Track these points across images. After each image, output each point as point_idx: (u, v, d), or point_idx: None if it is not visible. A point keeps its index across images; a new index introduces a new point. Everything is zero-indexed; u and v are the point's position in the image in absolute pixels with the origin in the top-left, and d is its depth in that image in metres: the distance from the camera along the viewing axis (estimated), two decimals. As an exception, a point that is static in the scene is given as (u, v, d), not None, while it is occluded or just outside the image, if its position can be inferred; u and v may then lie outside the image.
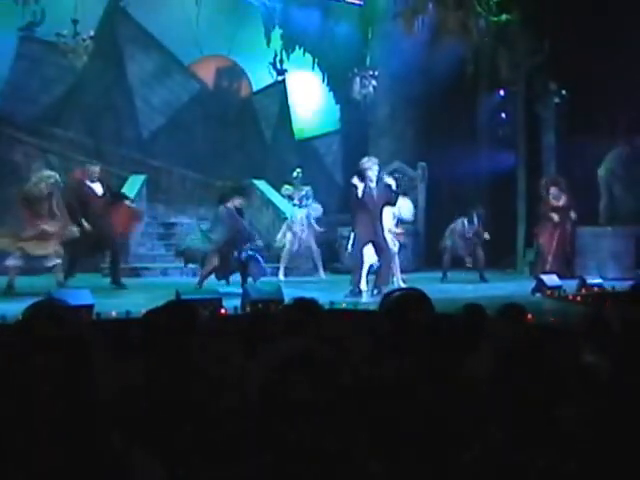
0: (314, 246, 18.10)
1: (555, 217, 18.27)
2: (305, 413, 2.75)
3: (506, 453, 2.88)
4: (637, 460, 3.35)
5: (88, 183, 14.98)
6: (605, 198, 19.65)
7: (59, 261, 13.89)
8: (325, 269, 18.36)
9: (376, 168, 14.26)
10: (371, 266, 15.20)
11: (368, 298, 13.42)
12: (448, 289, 15.18)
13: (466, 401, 3.43)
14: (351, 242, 14.84)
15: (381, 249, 14.36)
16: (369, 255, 14.73)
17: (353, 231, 14.73)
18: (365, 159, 14.56)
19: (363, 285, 14.96)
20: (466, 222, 17.74)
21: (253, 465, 2.77)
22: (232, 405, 3.65)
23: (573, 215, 18.24)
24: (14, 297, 12.10)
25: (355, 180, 14.40)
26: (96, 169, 15.15)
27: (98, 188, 15.05)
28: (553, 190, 18.46)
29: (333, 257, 20.09)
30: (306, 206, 18.09)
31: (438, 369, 3.93)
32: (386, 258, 14.43)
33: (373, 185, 14.15)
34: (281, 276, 17.23)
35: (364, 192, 14.14)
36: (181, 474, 3.54)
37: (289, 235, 17.96)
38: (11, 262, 13.50)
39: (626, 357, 4.19)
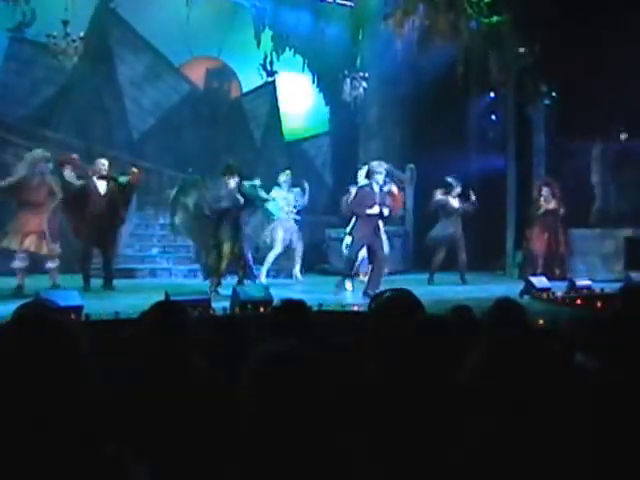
0: (300, 247, 18.05)
1: (545, 219, 18.34)
2: (292, 413, 2.75)
3: (497, 451, 2.88)
4: (631, 459, 3.35)
5: (94, 179, 14.85)
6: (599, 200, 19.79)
7: (56, 264, 13.92)
8: (312, 270, 18.37)
9: (384, 174, 14.44)
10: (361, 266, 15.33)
11: (362, 299, 13.36)
12: (436, 291, 15.17)
13: (455, 401, 3.43)
14: (347, 244, 14.88)
15: (375, 254, 14.41)
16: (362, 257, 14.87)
17: (350, 234, 14.76)
18: (376, 163, 14.71)
19: (349, 286, 14.98)
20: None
21: (243, 467, 2.76)
22: (222, 406, 3.64)
23: (562, 211, 18.25)
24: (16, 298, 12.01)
25: (362, 181, 14.55)
26: (104, 163, 15.08)
27: (102, 186, 14.87)
28: (545, 191, 18.49)
29: (321, 258, 20.08)
30: (295, 207, 18.03)
31: (426, 370, 3.92)
32: (379, 264, 14.44)
33: (377, 190, 14.25)
34: (263, 278, 17.02)
35: (367, 195, 14.24)
36: (170, 475, 3.54)
37: (280, 235, 17.83)
38: (16, 264, 13.53)
39: (617, 358, 4.19)
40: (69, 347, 2.63)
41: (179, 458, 3.71)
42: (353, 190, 15.59)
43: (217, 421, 3.65)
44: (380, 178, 14.29)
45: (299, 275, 17.88)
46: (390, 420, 3.71)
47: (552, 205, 18.35)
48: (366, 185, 14.67)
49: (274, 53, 23.12)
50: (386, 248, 15.49)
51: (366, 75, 21.55)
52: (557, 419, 2.96)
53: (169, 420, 3.84)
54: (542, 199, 18.45)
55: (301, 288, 15.79)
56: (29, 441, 2.47)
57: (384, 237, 15.21)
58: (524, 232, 19.14)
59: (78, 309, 9.97)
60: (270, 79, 23.70)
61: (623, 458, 3.40)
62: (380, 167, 14.43)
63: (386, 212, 14.43)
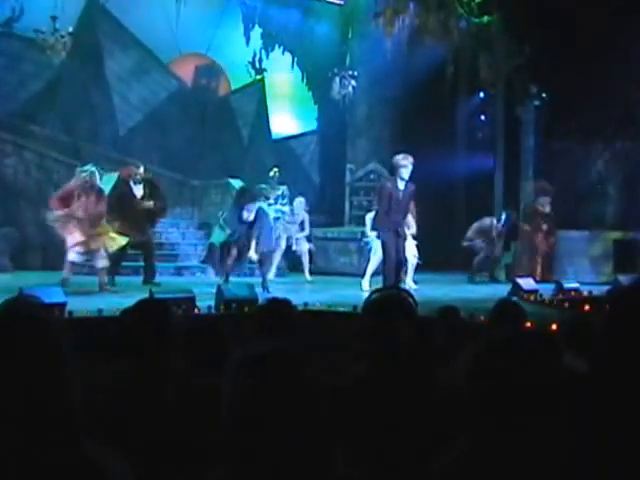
0: (283, 247, 18.12)
1: (544, 225, 18.45)
2: (278, 414, 2.70)
3: (489, 453, 2.83)
4: (619, 464, 3.31)
5: (131, 184, 15.71)
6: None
7: (106, 263, 13.89)
8: (298, 269, 18.41)
9: (410, 168, 13.73)
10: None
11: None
12: (422, 291, 15.01)
13: (443, 403, 3.39)
14: (376, 245, 14.55)
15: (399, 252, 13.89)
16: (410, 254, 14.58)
17: (375, 230, 14.37)
18: (401, 156, 13.96)
19: (366, 285, 14.78)
20: (495, 221, 18.06)
21: (225, 469, 2.72)
22: (205, 407, 3.60)
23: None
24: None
25: (387, 177, 14.16)
26: (139, 170, 15.90)
27: (139, 191, 15.77)
28: (541, 199, 18.68)
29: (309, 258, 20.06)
30: (283, 205, 18.03)
31: (414, 370, 3.88)
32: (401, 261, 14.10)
33: (402, 186, 13.78)
34: (272, 275, 16.99)
35: (392, 191, 13.76)
36: (152, 477, 3.48)
37: (283, 235, 17.92)
38: (72, 258, 13.49)
39: (606, 361, 4.15)
40: (54, 345, 2.58)
41: (162, 461, 3.66)
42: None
43: (202, 422, 3.60)
44: (405, 172, 13.70)
45: (308, 276, 17.98)
46: (378, 420, 3.67)
47: (547, 208, 18.54)
48: (388, 181, 14.13)
49: (263, 51, 23.10)
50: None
51: (355, 73, 21.53)
52: (549, 421, 2.91)
53: (154, 421, 3.79)
54: (539, 205, 18.64)
55: (287, 287, 15.72)
56: (9, 440, 2.42)
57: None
58: (524, 231, 19.18)
59: (61, 306, 9.92)
60: (259, 77, 23.66)
61: (612, 460, 3.35)
62: (406, 160, 13.78)
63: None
